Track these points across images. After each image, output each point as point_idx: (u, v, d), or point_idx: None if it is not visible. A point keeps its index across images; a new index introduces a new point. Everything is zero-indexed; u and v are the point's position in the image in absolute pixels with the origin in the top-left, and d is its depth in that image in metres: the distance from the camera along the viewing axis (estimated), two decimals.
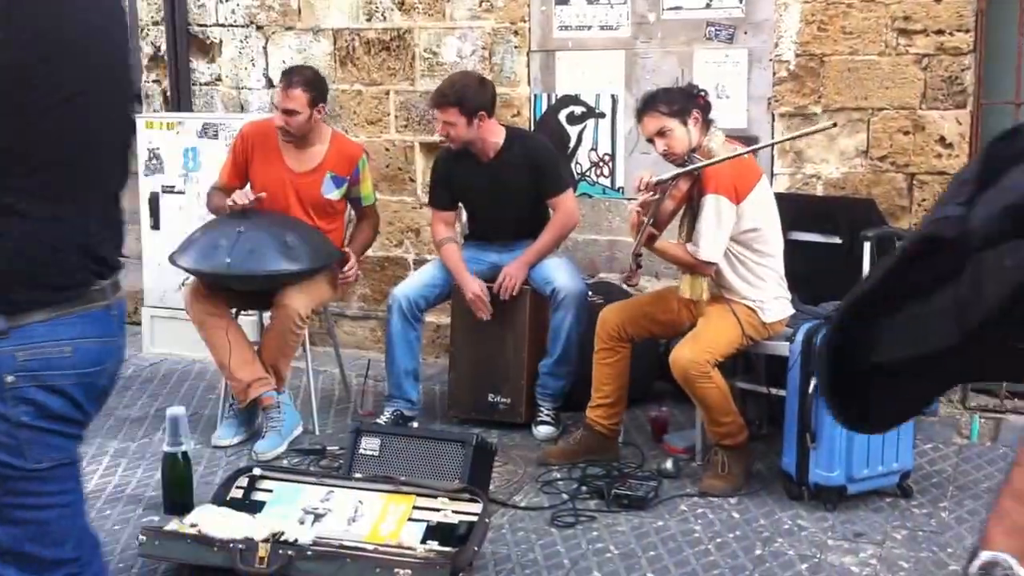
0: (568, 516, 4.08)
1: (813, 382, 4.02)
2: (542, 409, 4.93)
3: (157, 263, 5.85)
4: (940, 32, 4.96)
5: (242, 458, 4.65)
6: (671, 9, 5.45)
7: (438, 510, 3.73)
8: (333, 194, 5.00)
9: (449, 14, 5.84)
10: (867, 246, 4.57)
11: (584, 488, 4.30)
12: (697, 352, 4.18)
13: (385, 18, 5.97)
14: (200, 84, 6.43)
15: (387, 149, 6.04)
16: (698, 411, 4.41)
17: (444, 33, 5.86)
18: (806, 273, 4.59)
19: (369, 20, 6.00)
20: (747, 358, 4.62)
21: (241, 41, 6.30)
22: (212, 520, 3.66)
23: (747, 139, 5.05)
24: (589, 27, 5.60)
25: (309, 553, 3.49)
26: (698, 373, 4.16)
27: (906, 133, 5.07)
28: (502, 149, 4.94)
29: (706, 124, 4.39)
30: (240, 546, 3.51)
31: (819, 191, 5.23)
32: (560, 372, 4.88)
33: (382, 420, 4.90)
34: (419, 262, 5.86)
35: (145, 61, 6.61)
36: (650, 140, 4.41)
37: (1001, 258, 1.24)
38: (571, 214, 5.01)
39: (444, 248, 5.02)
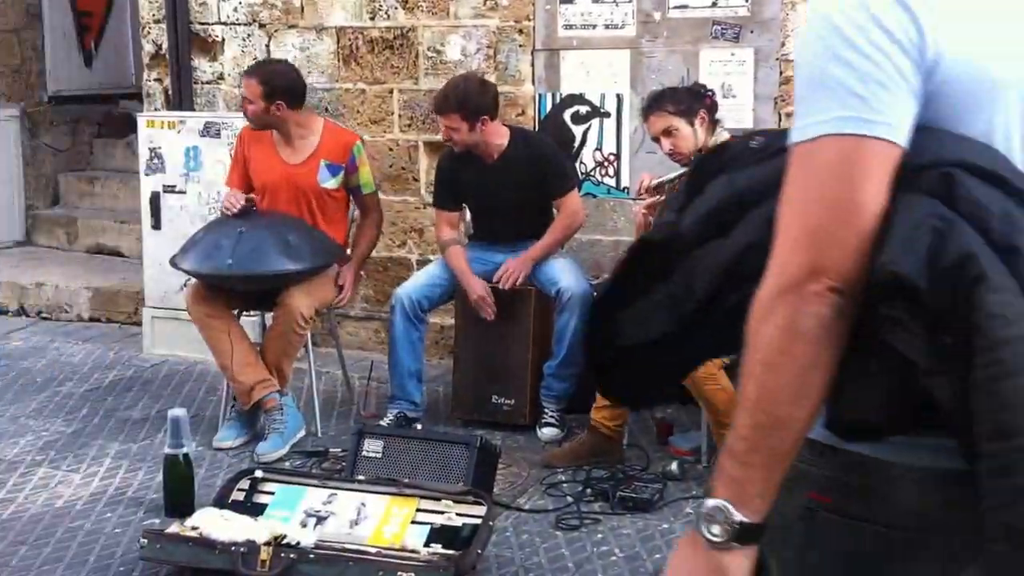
0: (573, 519, 4.05)
1: None
2: (547, 411, 4.90)
3: (158, 263, 5.82)
4: None
5: (244, 460, 4.63)
6: (677, 8, 5.41)
7: (442, 513, 3.71)
8: (330, 182, 4.99)
9: (453, 12, 5.81)
10: None
11: (589, 490, 4.27)
12: None
13: (389, 16, 5.94)
14: (202, 83, 6.41)
15: (391, 149, 6.01)
16: (704, 413, 4.38)
17: (448, 32, 5.83)
18: None
19: (373, 18, 5.97)
20: None
21: (243, 40, 6.27)
22: (213, 523, 3.64)
23: None
24: (594, 26, 5.57)
25: (311, 556, 3.48)
26: (704, 375, 4.12)
27: None
28: (506, 150, 4.92)
29: (712, 124, 4.37)
30: (242, 549, 3.48)
31: None
32: (565, 374, 4.85)
33: (385, 422, 4.87)
34: (422, 262, 5.83)
35: (147, 59, 6.59)
36: (656, 139, 4.39)
37: (707, 256, 1.47)
38: (576, 213, 4.99)
39: (449, 251, 5.00)
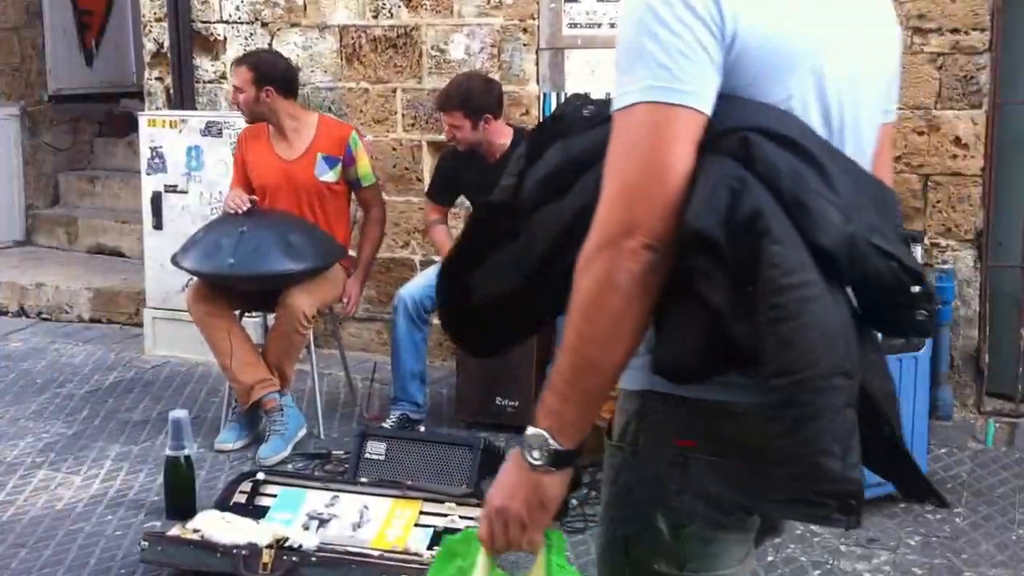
0: (578, 521, 4.03)
1: None
2: None
3: (159, 264, 5.80)
4: (955, 31, 4.90)
5: (245, 462, 4.61)
6: None
7: (445, 515, 3.71)
8: (328, 176, 4.97)
9: (457, 11, 5.78)
10: None
11: (594, 493, 4.24)
12: None
13: (392, 15, 5.91)
14: (204, 82, 6.39)
15: (394, 148, 5.98)
16: None
17: (452, 30, 5.81)
18: None
19: (376, 17, 5.94)
20: None
21: (246, 38, 6.25)
22: (215, 525, 3.63)
23: None
24: (599, 24, 5.54)
25: (313, 559, 3.46)
26: None
27: (921, 133, 5.01)
28: (509, 150, 4.89)
29: None
30: (243, 552, 3.47)
31: None
32: None
33: (388, 424, 4.84)
34: (425, 263, 5.81)
35: (148, 58, 6.57)
36: None
37: (546, 217, 1.61)
38: None
39: (434, 228, 5.11)
